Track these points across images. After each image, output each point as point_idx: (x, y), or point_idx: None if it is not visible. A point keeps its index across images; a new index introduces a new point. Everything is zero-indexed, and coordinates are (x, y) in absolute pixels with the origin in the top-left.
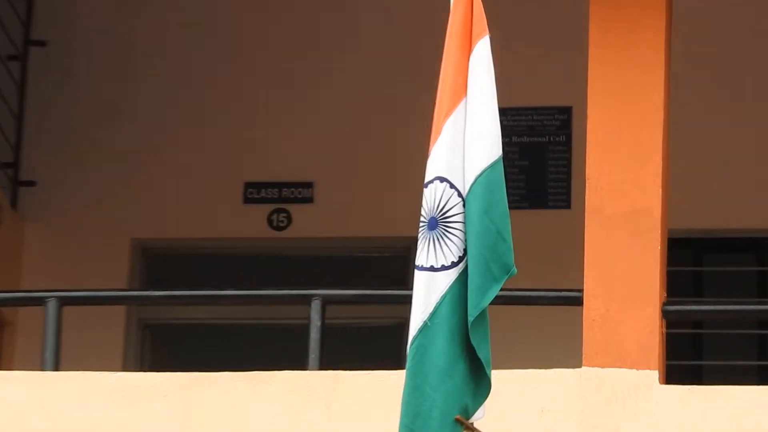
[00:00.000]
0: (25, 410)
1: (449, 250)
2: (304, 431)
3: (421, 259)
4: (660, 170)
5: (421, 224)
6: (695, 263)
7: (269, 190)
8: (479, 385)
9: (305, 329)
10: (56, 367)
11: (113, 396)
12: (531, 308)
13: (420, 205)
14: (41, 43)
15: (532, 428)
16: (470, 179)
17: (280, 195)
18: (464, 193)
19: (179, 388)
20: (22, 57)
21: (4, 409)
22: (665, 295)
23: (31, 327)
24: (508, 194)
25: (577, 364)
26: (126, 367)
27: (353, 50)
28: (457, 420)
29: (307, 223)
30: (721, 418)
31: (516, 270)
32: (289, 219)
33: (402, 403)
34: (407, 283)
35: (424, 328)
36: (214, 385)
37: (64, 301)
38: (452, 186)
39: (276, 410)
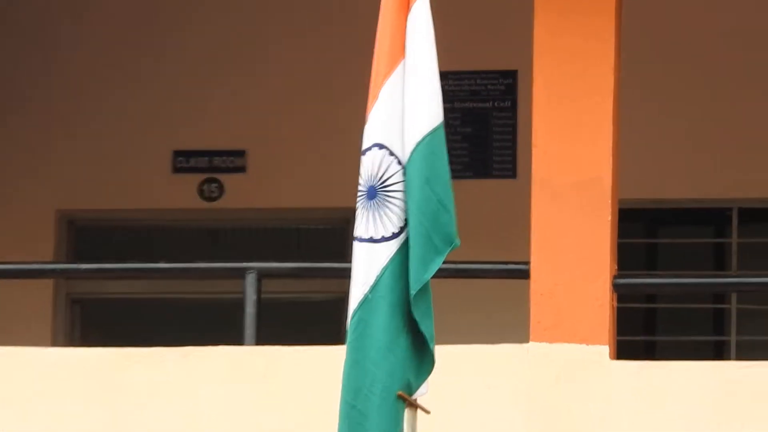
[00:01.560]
0: None
1: (389, 220)
2: (241, 408)
3: (360, 230)
4: (610, 139)
5: (360, 194)
6: (648, 235)
7: (199, 159)
8: (422, 361)
9: (240, 304)
10: None
11: (43, 371)
12: (476, 282)
13: (358, 175)
14: None
15: (477, 405)
16: (410, 146)
17: (211, 164)
18: (404, 160)
19: (109, 364)
20: None
21: None
22: (616, 268)
23: None
24: (451, 163)
25: (524, 339)
26: (55, 343)
27: (289, 17)
28: (399, 396)
29: (240, 194)
30: (674, 395)
31: (459, 242)
32: (221, 189)
33: (343, 379)
34: (346, 256)
35: (365, 302)
36: (146, 361)
37: None
38: (391, 153)
39: (211, 387)
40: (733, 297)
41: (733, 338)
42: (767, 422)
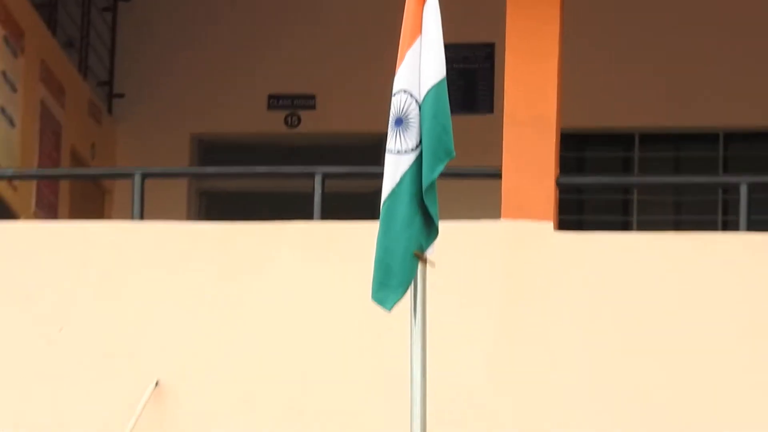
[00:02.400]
0: (121, 247)
1: (409, 139)
2: (310, 263)
3: (390, 145)
4: (555, 86)
5: (390, 122)
6: (578, 150)
7: (284, 100)
8: (430, 231)
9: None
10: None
11: (179, 239)
12: (465, 181)
13: (390, 109)
14: None
15: (464, 260)
16: (424, 92)
17: (293, 104)
18: (420, 101)
19: (224, 233)
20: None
21: (106, 246)
22: (558, 172)
23: (124, 195)
24: (449, 102)
25: (497, 217)
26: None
27: None
28: (415, 254)
29: (312, 123)
30: (597, 255)
31: (455, 154)
32: (299, 120)
33: (377, 243)
34: (381, 164)
35: (392, 193)
36: (248, 230)
37: (145, 175)
38: (411, 96)
39: (291, 248)
40: (635, 191)
41: (635, 219)
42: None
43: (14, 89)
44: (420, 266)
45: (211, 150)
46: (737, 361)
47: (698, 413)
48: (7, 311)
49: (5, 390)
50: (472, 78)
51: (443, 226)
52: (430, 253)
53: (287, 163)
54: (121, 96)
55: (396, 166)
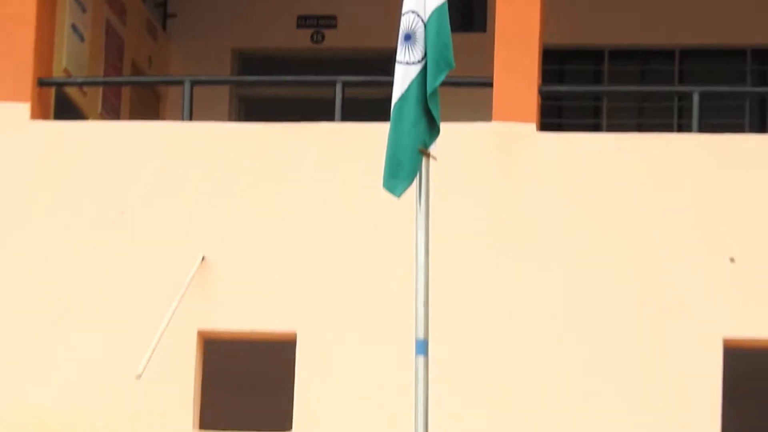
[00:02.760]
0: (172, 143)
1: (416, 52)
2: (332, 158)
3: (400, 57)
4: (539, 9)
5: (400, 38)
6: (561, 63)
7: (311, 19)
8: (433, 131)
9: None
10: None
11: (222, 137)
12: (463, 89)
13: (400, 27)
14: None
15: (458, 156)
16: (429, 12)
17: (317, 23)
18: (425, 20)
19: (260, 132)
20: None
21: (160, 142)
22: (540, 82)
23: (175, 100)
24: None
25: (489, 119)
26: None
27: None
28: (420, 150)
29: (334, 40)
30: (572, 151)
31: (454, 65)
32: (323, 37)
33: (388, 141)
34: (393, 73)
35: (401, 98)
36: (282, 132)
37: (194, 83)
38: (418, 16)
39: (317, 148)
40: (605, 99)
41: (604, 122)
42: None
43: (84, 10)
44: (424, 160)
45: (250, 62)
46: (692, 240)
47: (659, 284)
48: (80, 196)
49: (78, 257)
50: (468, 1)
51: (444, 126)
52: (433, 149)
53: (313, 74)
54: (173, 16)
55: (405, 75)
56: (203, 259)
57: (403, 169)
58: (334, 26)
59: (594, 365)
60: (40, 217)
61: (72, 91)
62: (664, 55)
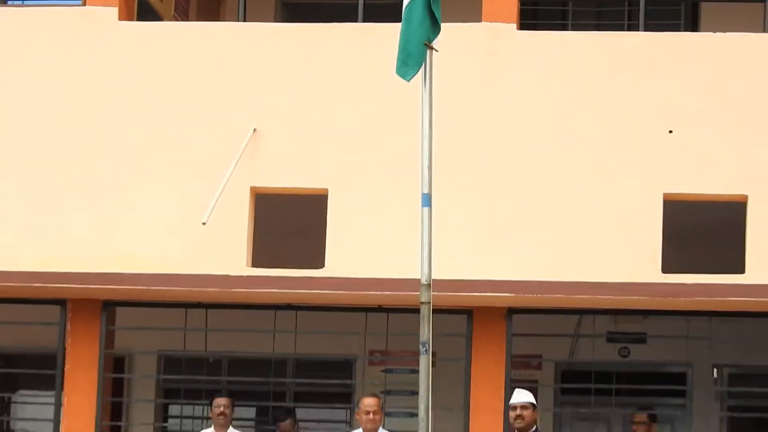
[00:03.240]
0: (230, 40)
1: None
2: (356, 51)
3: None
4: None
5: None
6: None
7: None
8: (435, 28)
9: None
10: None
11: (269, 35)
12: None
13: None
14: None
15: (455, 48)
16: None
17: None
18: None
19: (299, 31)
20: None
21: (221, 39)
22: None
23: (232, 5)
24: None
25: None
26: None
27: None
28: (425, 44)
29: None
30: (545, 47)
31: None
32: None
33: (400, 36)
34: None
35: (411, 1)
36: (314, 30)
37: None
38: None
39: (344, 43)
40: (570, 3)
41: (570, 23)
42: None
43: None
44: (428, 52)
45: None
46: (639, 115)
47: (613, 151)
48: (157, 83)
49: (157, 130)
50: None
51: (444, 26)
52: (435, 43)
53: None
54: None
55: None
56: (254, 130)
57: (412, 58)
58: None
59: (561, 217)
60: (127, 100)
61: None
62: None
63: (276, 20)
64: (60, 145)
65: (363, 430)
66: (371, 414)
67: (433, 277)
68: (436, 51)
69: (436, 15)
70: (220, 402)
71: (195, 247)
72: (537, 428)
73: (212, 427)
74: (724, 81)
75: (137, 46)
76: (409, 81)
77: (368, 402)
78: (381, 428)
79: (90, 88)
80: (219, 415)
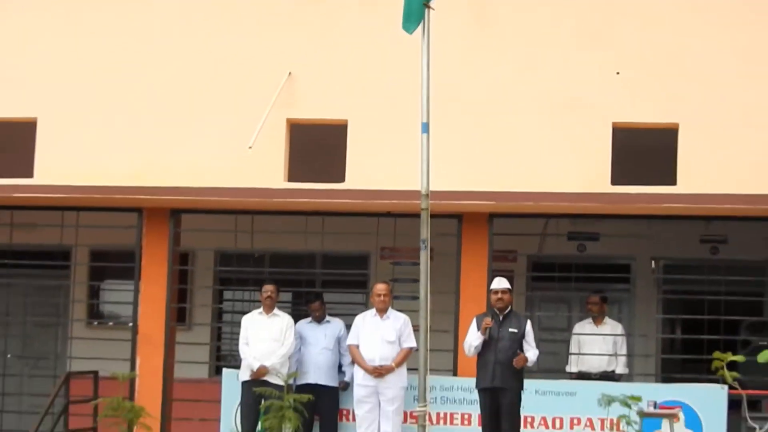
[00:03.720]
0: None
1: None
2: (372, 11)
3: None
4: None
5: None
6: None
7: None
8: None
9: None
10: None
11: None
12: None
13: None
14: None
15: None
16: None
17: None
18: None
19: None
20: None
21: None
22: None
23: None
24: None
25: None
26: None
27: None
28: (424, 4)
29: None
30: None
31: None
32: None
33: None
34: None
35: None
36: None
37: None
38: None
39: (360, 6)
40: None
41: None
42: None
43: None
44: (427, 10)
45: None
46: (591, 53)
47: (571, 87)
48: (208, 35)
49: (210, 67)
50: None
51: None
52: (432, 3)
53: None
54: None
55: None
56: (290, 74)
57: (414, 15)
58: None
59: (533, 142)
60: (193, 44)
61: None
62: None
63: None
64: (140, 82)
65: (376, 309)
66: (382, 296)
67: (431, 188)
68: (433, 9)
69: None
70: (268, 288)
71: (243, 165)
72: (512, 308)
73: (261, 308)
74: (664, 29)
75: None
76: (411, 34)
77: (380, 287)
78: (390, 308)
79: (166, 33)
80: (267, 298)
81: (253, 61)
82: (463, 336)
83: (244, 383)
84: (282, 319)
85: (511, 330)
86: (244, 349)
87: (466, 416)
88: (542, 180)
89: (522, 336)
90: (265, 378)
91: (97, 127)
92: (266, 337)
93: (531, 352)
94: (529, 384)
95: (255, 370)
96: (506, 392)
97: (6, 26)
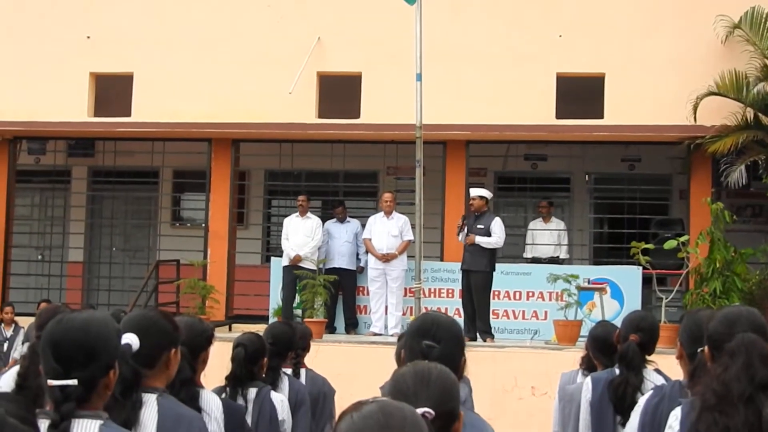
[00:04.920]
0: None
1: None
2: None
3: None
4: None
5: None
6: None
7: None
8: None
9: None
10: None
11: None
12: None
13: None
14: None
15: None
16: None
17: None
18: None
19: None
20: None
21: None
22: None
23: None
24: None
25: None
26: None
27: None
28: None
29: None
30: None
31: None
32: None
33: None
34: None
35: None
36: None
37: None
38: None
39: None
40: None
41: None
42: None
43: None
44: None
45: None
46: (536, 19)
47: (524, 44)
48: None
49: (260, 31)
50: None
51: None
52: None
53: None
54: None
55: None
56: (318, 38)
57: None
58: None
59: (499, 88)
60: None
61: None
62: None
63: None
64: (209, 43)
65: (384, 212)
66: (388, 202)
67: (423, 122)
68: None
69: None
70: (301, 197)
71: (285, 106)
72: (487, 211)
73: (297, 212)
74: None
75: None
76: (412, 6)
77: (387, 195)
78: (394, 211)
79: (230, 2)
80: (299, 205)
81: (292, 26)
82: (448, 232)
83: (284, 268)
84: (313, 220)
85: (478, 226)
86: (284, 243)
87: (450, 291)
88: (505, 114)
89: (488, 230)
90: (301, 264)
91: (177, 77)
92: (301, 234)
93: (483, 238)
94: (497, 267)
95: (292, 257)
96: (474, 273)
97: None
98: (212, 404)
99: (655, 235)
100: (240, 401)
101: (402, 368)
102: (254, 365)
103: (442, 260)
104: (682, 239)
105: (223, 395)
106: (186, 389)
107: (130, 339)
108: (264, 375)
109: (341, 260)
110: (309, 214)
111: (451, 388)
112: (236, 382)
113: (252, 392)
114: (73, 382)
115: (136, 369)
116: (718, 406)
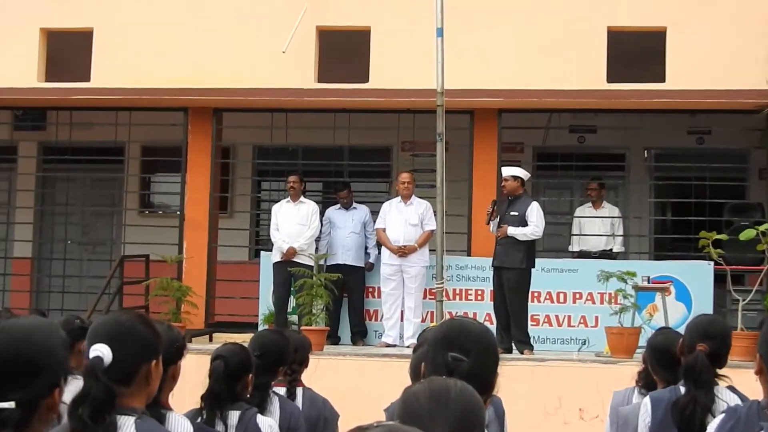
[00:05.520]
0: None
1: None
2: None
3: None
4: None
5: None
6: None
7: None
8: None
9: None
10: None
11: None
12: None
13: None
14: None
15: None
16: None
17: None
18: None
19: None
20: None
21: None
22: None
23: None
24: None
25: None
26: None
27: None
28: None
29: None
30: None
31: None
32: None
33: None
34: None
35: None
36: None
37: None
38: None
39: None
40: None
41: None
42: None
43: None
44: None
45: None
46: None
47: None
48: None
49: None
50: None
51: None
52: None
53: None
54: None
55: None
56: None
57: None
58: None
59: (537, 44)
60: None
61: None
62: None
63: None
64: None
65: (400, 196)
66: (406, 184)
67: (445, 87)
68: None
69: None
70: (290, 178)
71: (278, 68)
72: (523, 194)
73: (288, 197)
74: None
75: None
76: None
77: (404, 176)
78: (413, 195)
79: None
80: (290, 188)
81: None
82: (476, 221)
83: (276, 264)
84: (307, 205)
85: (512, 213)
86: (274, 234)
87: (479, 292)
88: (546, 78)
89: (523, 217)
90: (296, 259)
91: (146, 35)
92: (294, 222)
93: (518, 229)
94: (537, 263)
95: (285, 251)
96: (508, 271)
97: None
98: (182, 430)
99: (730, 223)
100: (219, 427)
101: (414, 386)
102: (237, 382)
103: (469, 255)
104: (762, 228)
105: (199, 419)
106: (149, 411)
107: (101, 350)
108: (249, 395)
109: (346, 255)
110: (302, 198)
111: (474, 409)
112: (214, 402)
113: (234, 416)
114: (11, 404)
115: (109, 387)
116: None
